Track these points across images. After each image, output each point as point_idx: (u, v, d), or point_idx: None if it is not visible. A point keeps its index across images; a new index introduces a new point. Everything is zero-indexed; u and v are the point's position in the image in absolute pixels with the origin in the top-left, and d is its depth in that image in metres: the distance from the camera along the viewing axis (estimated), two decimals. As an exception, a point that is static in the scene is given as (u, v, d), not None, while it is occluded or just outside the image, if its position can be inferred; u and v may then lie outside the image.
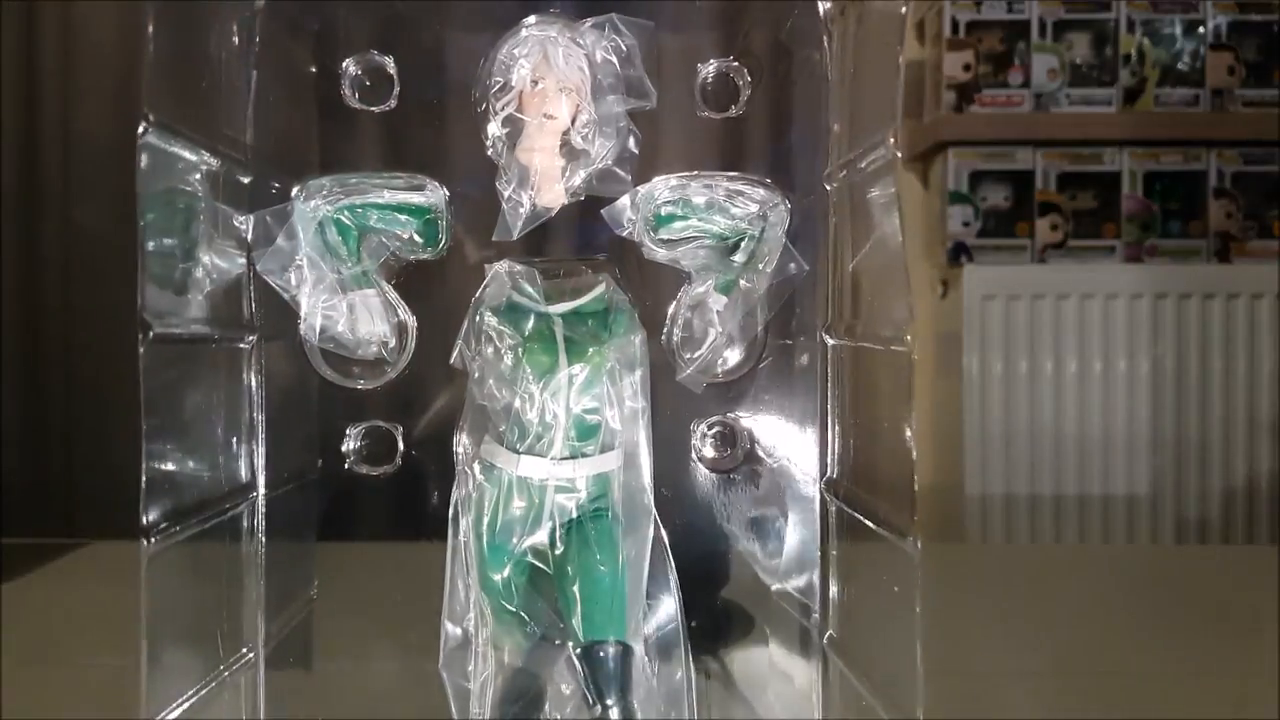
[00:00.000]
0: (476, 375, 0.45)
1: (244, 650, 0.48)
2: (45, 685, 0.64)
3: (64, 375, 1.32)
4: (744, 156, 0.49)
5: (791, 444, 0.50)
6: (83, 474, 1.32)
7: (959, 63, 1.67)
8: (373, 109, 0.49)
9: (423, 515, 0.49)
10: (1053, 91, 1.67)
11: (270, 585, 0.49)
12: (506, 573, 0.44)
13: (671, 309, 0.48)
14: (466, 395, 0.46)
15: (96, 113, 1.31)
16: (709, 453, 0.50)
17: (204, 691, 0.43)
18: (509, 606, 0.45)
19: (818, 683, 0.49)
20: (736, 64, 0.49)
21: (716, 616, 0.49)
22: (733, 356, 0.48)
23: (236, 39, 0.47)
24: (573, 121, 0.45)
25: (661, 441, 0.47)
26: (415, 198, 0.47)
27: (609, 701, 0.43)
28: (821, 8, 0.48)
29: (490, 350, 0.44)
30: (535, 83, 0.44)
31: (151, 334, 0.40)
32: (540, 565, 0.44)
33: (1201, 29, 1.67)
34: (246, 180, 0.48)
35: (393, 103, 0.49)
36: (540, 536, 0.44)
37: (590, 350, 0.44)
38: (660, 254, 0.48)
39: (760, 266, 0.47)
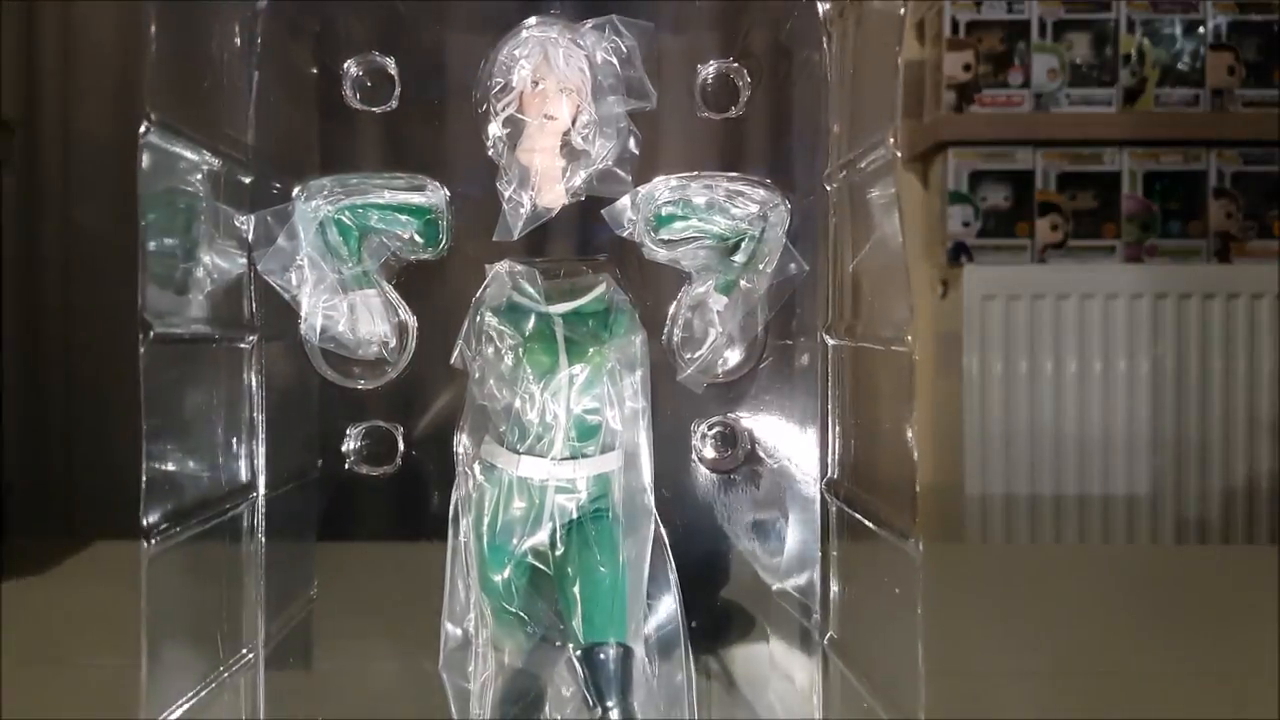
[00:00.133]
0: (477, 375, 0.45)
1: (244, 650, 0.48)
2: (45, 685, 0.64)
3: (64, 375, 1.32)
4: (744, 157, 0.49)
5: (792, 444, 0.50)
6: (83, 474, 1.32)
7: (959, 63, 1.67)
8: (374, 109, 0.49)
9: (423, 515, 0.49)
10: (1053, 91, 1.67)
11: (270, 585, 0.49)
12: (507, 574, 0.44)
13: (672, 309, 0.48)
14: (467, 395, 0.46)
15: (96, 113, 1.31)
16: (709, 453, 0.50)
17: (204, 692, 0.43)
18: (509, 607, 0.45)
19: (818, 683, 0.49)
20: (736, 65, 0.49)
21: (717, 617, 0.49)
22: (733, 357, 0.49)
23: (238, 39, 0.47)
24: (573, 122, 0.45)
25: (662, 442, 0.47)
26: (416, 198, 0.47)
27: (609, 703, 0.42)
28: (821, 8, 0.48)
29: (491, 350, 0.44)
30: (536, 83, 0.44)
31: (152, 334, 0.40)
32: (540, 566, 0.44)
33: (1201, 29, 1.67)
34: (247, 180, 0.48)
35: (394, 103, 0.49)
36: (540, 537, 0.44)
37: (591, 350, 0.44)
38: (660, 254, 0.48)
39: (760, 267, 0.47)
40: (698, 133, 0.49)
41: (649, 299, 0.48)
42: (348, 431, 0.49)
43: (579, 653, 0.43)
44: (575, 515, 0.44)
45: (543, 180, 0.45)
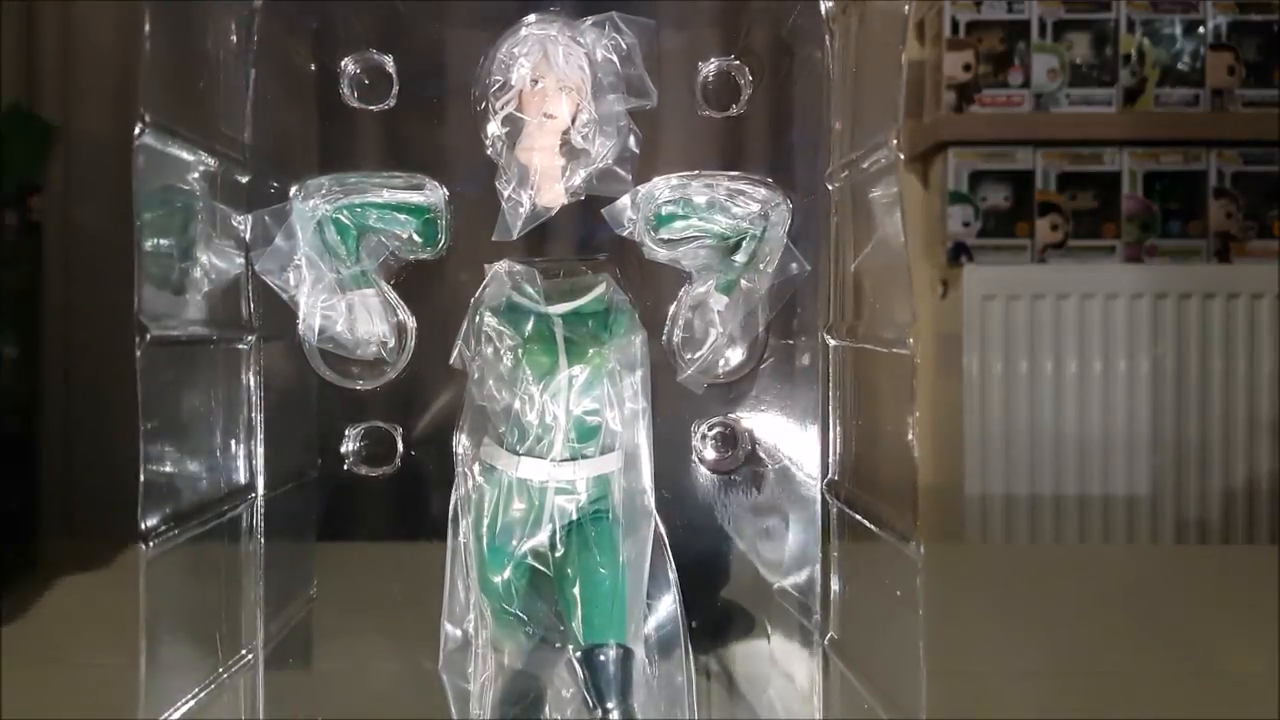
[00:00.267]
0: (476, 376, 0.45)
1: (244, 650, 0.47)
2: (45, 685, 0.63)
3: (64, 375, 1.32)
4: (745, 156, 0.49)
5: (793, 445, 0.49)
6: (83, 474, 1.32)
7: (959, 63, 1.67)
8: (372, 108, 0.49)
9: (422, 516, 0.49)
10: (1053, 91, 1.67)
11: (270, 585, 0.49)
12: (506, 575, 0.44)
13: (672, 309, 0.48)
14: (466, 396, 0.46)
15: (96, 113, 1.31)
16: (710, 454, 0.49)
17: (203, 692, 0.43)
18: (509, 608, 0.44)
19: (818, 683, 0.49)
20: (737, 63, 0.49)
21: (717, 617, 0.49)
22: (734, 357, 0.48)
23: (235, 38, 0.47)
24: (573, 121, 0.44)
25: (662, 442, 0.47)
26: (414, 197, 0.47)
27: (609, 704, 0.42)
28: (823, 7, 0.48)
29: (490, 351, 0.44)
30: (535, 82, 0.44)
31: (149, 336, 0.39)
32: (540, 567, 0.44)
33: (1201, 29, 1.67)
34: (245, 180, 0.48)
35: (392, 102, 0.49)
36: (540, 538, 0.44)
37: (590, 351, 0.44)
38: (661, 254, 0.47)
39: (761, 266, 0.46)
40: (698, 131, 0.49)
41: (649, 299, 0.48)
42: (347, 432, 0.49)
43: (579, 654, 0.43)
44: (575, 516, 0.44)
45: (542, 179, 0.45)
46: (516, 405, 0.43)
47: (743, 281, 0.47)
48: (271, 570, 0.49)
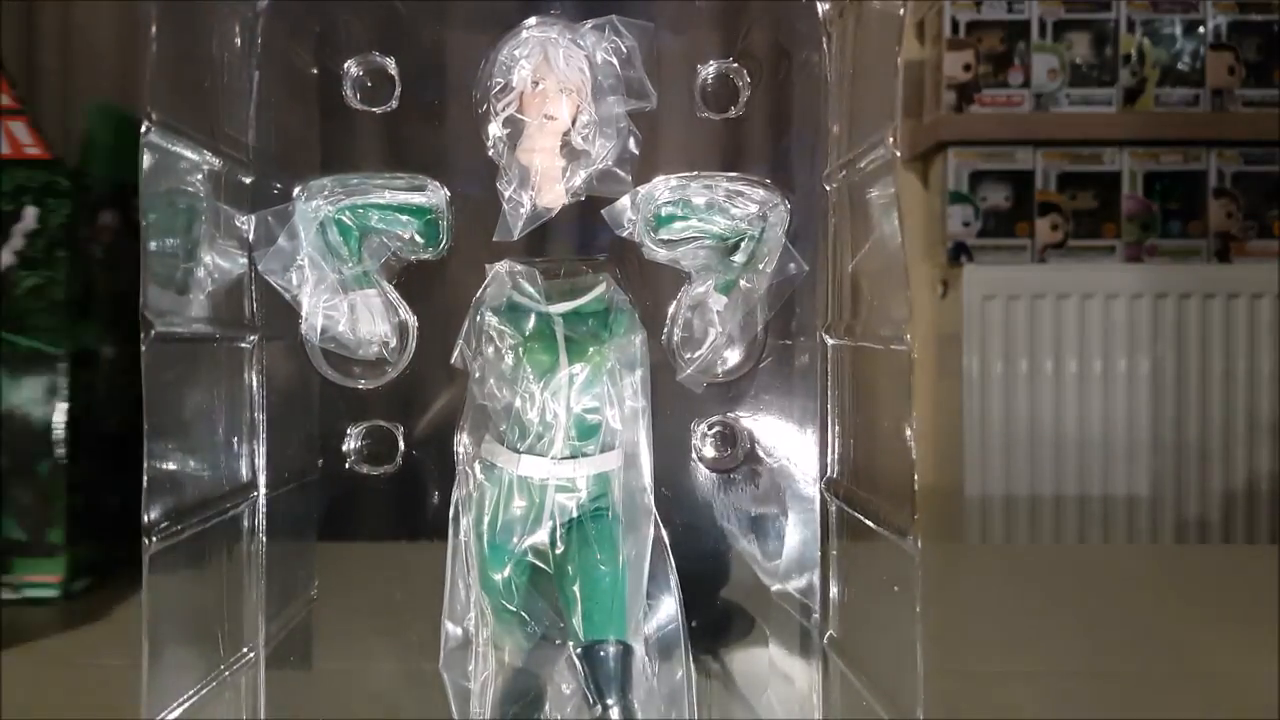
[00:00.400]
0: (477, 375, 0.45)
1: (244, 650, 0.48)
2: (45, 685, 0.64)
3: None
4: (744, 157, 0.49)
5: (791, 444, 0.50)
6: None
7: (959, 63, 1.67)
8: (374, 110, 0.49)
9: (423, 515, 0.49)
10: (1053, 91, 1.67)
11: (270, 585, 0.49)
12: (507, 572, 0.44)
13: (672, 309, 0.48)
14: (467, 395, 0.46)
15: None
16: (709, 452, 0.50)
17: (204, 691, 0.43)
18: (509, 606, 0.45)
19: (818, 683, 0.49)
20: (736, 65, 0.49)
21: (717, 616, 0.49)
22: (733, 356, 0.49)
23: (239, 40, 0.47)
24: (573, 122, 0.45)
25: (662, 441, 0.47)
26: (416, 198, 0.47)
27: (609, 701, 0.43)
28: (820, 8, 0.48)
29: (491, 350, 0.44)
30: (536, 83, 0.44)
31: (153, 333, 0.40)
32: (540, 565, 0.44)
33: (1201, 29, 1.67)
34: (248, 180, 0.48)
35: (394, 103, 0.49)
36: (540, 536, 0.44)
37: (591, 350, 0.44)
38: (660, 254, 0.48)
39: (760, 266, 0.47)
40: (697, 133, 0.49)
41: (649, 299, 0.48)
42: (348, 431, 0.50)
43: (579, 651, 0.43)
44: (575, 514, 0.44)
45: (543, 180, 0.45)
46: (517, 404, 0.43)
47: (741, 282, 0.47)
48: (273, 569, 0.49)
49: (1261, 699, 0.61)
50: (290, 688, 0.49)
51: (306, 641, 0.50)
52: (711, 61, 0.49)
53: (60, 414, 0.79)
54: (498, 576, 0.44)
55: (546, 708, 0.45)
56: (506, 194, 0.45)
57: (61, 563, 0.79)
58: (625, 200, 0.46)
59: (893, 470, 0.41)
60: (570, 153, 0.45)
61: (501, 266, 0.46)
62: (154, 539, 0.39)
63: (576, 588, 0.43)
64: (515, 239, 0.45)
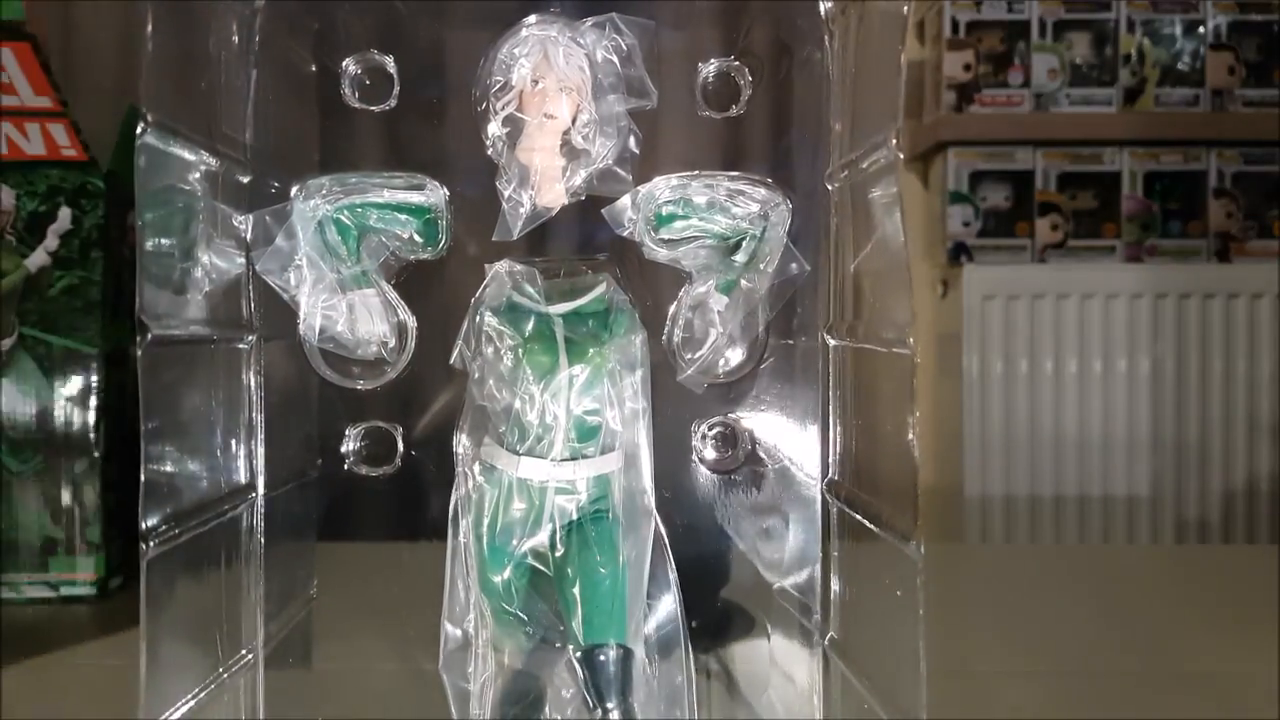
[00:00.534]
0: (476, 376, 0.45)
1: (244, 650, 0.47)
2: (45, 685, 0.63)
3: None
4: (745, 156, 0.49)
5: (793, 445, 0.49)
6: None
7: (959, 63, 1.67)
8: (372, 108, 0.49)
9: (422, 516, 0.49)
10: (1053, 91, 1.67)
11: (270, 585, 0.48)
12: (506, 574, 0.44)
13: (672, 309, 0.48)
14: (466, 396, 0.46)
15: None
16: (710, 454, 0.49)
17: (204, 692, 0.43)
18: (509, 608, 0.44)
19: (818, 683, 0.49)
20: (737, 63, 0.49)
21: (717, 617, 0.49)
22: (734, 357, 0.48)
23: (236, 38, 0.47)
24: (573, 121, 0.44)
25: (662, 442, 0.47)
26: (415, 197, 0.47)
27: (609, 704, 0.42)
28: (823, 7, 0.48)
29: (490, 351, 0.44)
30: (536, 82, 0.44)
31: (150, 335, 0.39)
32: (540, 567, 0.44)
33: (1201, 29, 1.67)
34: (246, 180, 0.48)
35: (393, 102, 0.49)
36: (540, 538, 0.44)
37: (591, 351, 0.44)
38: (661, 254, 0.47)
39: (761, 266, 0.46)
40: (698, 132, 0.49)
41: (649, 299, 0.48)
42: (347, 432, 0.49)
43: (579, 654, 0.43)
44: (575, 516, 0.44)
45: (543, 179, 0.45)
46: (517, 405, 0.43)
47: (743, 281, 0.47)
48: (272, 570, 0.49)
49: (1261, 699, 0.61)
50: (290, 688, 0.49)
51: (306, 642, 0.50)
52: (713, 60, 0.49)
53: (94, 413, 0.80)
54: (497, 578, 0.44)
55: (546, 710, 0.45)
56: (506, 193, 0.45)
57: (98, 561, 0.79)
58: (625, 199, 0.46)
59: (895, 473, 0.41)
60: (570, 152, 0.45)
61: (501, 266, 0.46)
62: (152, 543, 0.39)
63: (576, 590, 0.43)
64: (515, 239, 0.45)
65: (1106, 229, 1.68)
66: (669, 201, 0.47)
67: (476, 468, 0.45)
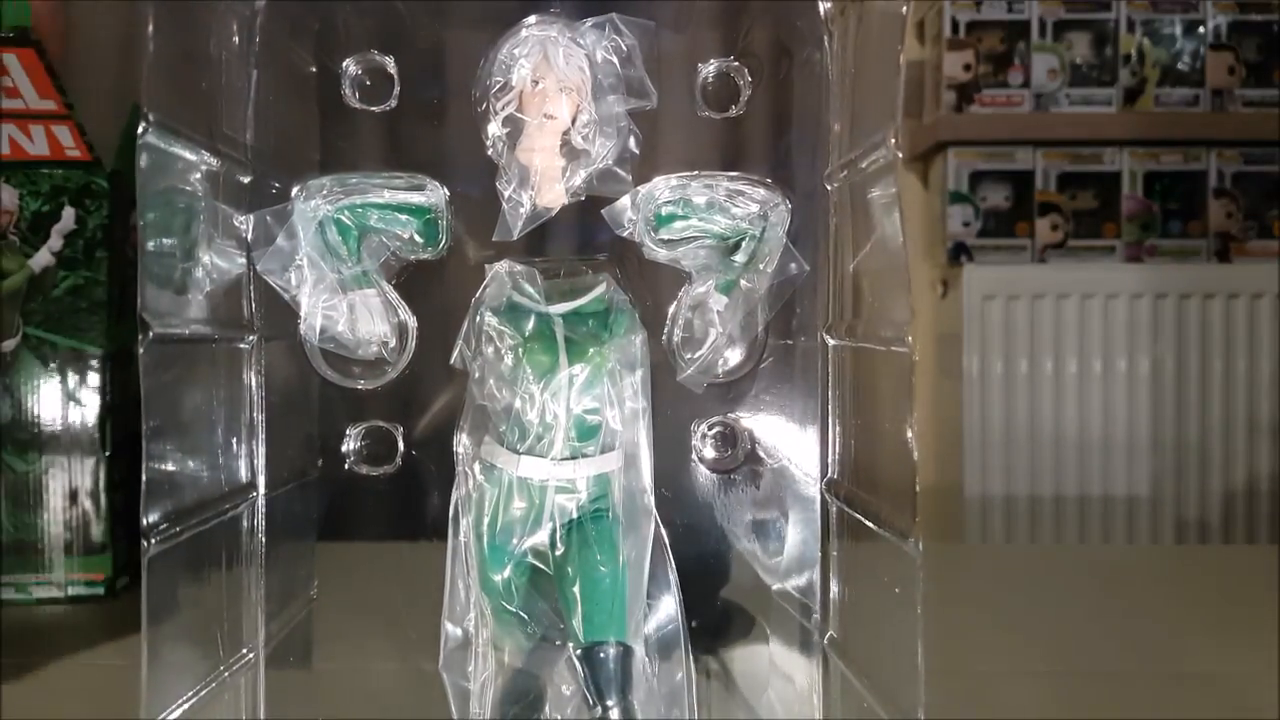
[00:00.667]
0: (477, 375, 0.45)
1: (244, 650, 0.48)
2: (45, 685, 0.63)
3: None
4: (744, 156, 0.49)
5: (792, 444, 0.50)
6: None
7: (959, 63, 1.67)
8: (373, 109, 0.49)
9: (423, 515, 0.49)
10: (1053, 91, 1.67)
11: (270, 585, 0.49)
12: (507, 573, 0.44)
13: (672, 309, 0.48)
14: (467, 395, 0.46)
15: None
16: (709, 453, 0.50)
17: (204, 692, 0.43)
18: (509, 607, 0.45)
19: (818, 683, 0.49)
20: (737, 64, 0.49)
21: (717, 617, 0.49)
22: (733, 357, 0.48)
23: (237, 39, 0.47)
24: (573, 121, 0.44)
25: (662, 442, 0.47)
26: (415, 197, 0.47)
27: (609, 702, 0.42)
28: (822, 7, 0.48)
29: (490, 350, 0.44)
30: (536, 82, 0.44)
31: (151, 334, 0.40)
32: (540, 566, 0.44)
33: (1201, 29, 1.67)
34: (247, 180, 0.48)
35: (393, 102, 0.49)
36: (540, 537, 0.44)
37: (591, 350, 0.44)
38: (661, 254, 0.47)
39: (761, 266, 0.47)
40: (698, 132, 0.49)
41: (649, 299, 0.48)
42: (348, 431, 0.49)
43: (579, 652, 0.43)
44: (575, 515, 0.44)
45: (542, 180, 0.45)
46: (517, 404, 0.43)
47: (742, 281, 0.47)
48: (272, 570, 0.49)
49: (1261, 699, 0.61)
50: (290, 688, 0.49)
51: (306, 642, 0.50)
52: (712, 60, 0.49)
53: (100, 413, 0.80)
54: (497, 577, 0.44)
55: (546, 708, 0.45)
56: (506, 193, 0.45)
57: (105, 561, 0.79)
58: (625, 200, 0.46)
59: (894, 473, 0.41)
60: (570, 152, 0.45)
61: (501, 266, 0.46)
62: (153, 541, 0.39)
63: (576, 589, 0.43)
64: (515, 239, 0.45)
65: (1106, 229, 1.67)
66: (669, 202, 0.47)
67: (477, 467, 0.45)
